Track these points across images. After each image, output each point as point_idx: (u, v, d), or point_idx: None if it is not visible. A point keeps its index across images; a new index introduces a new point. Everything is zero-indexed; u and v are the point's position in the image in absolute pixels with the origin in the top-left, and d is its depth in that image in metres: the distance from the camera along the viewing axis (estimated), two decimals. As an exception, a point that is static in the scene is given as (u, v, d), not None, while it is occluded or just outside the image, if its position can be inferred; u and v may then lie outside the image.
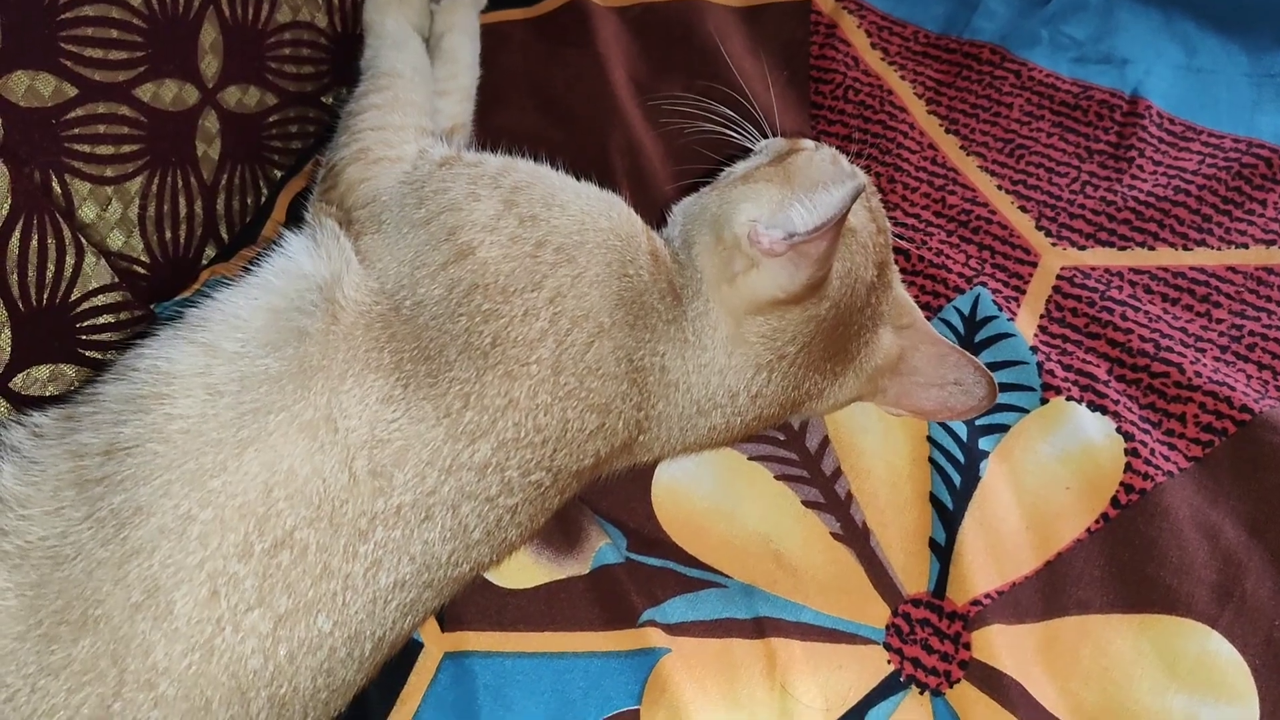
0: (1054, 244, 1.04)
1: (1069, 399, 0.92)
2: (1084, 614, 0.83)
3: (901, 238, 1.04)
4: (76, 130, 0.89)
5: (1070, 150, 1.12)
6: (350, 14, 1.14)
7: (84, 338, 0.92)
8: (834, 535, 0.87)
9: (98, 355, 0.92)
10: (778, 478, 0.90)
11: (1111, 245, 1.04)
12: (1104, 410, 0.91)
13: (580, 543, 0.87)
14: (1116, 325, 0.97)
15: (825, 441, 0.92)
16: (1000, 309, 0.98)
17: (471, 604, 0.83)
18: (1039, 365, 0.94)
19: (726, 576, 0.86)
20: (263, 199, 1.11)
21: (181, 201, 1.00)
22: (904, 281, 0.99)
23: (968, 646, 0.82)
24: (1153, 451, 0.89)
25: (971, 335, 0.97)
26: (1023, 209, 1.07)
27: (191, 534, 0.68)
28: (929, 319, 0.97)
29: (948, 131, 1.15)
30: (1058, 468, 0.89)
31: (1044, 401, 0.93)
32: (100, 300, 0.92)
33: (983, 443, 0.90)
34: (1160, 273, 1.02)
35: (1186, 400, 0.92)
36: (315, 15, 1.10)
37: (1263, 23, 1.21)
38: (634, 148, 1.10)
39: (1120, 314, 0.98)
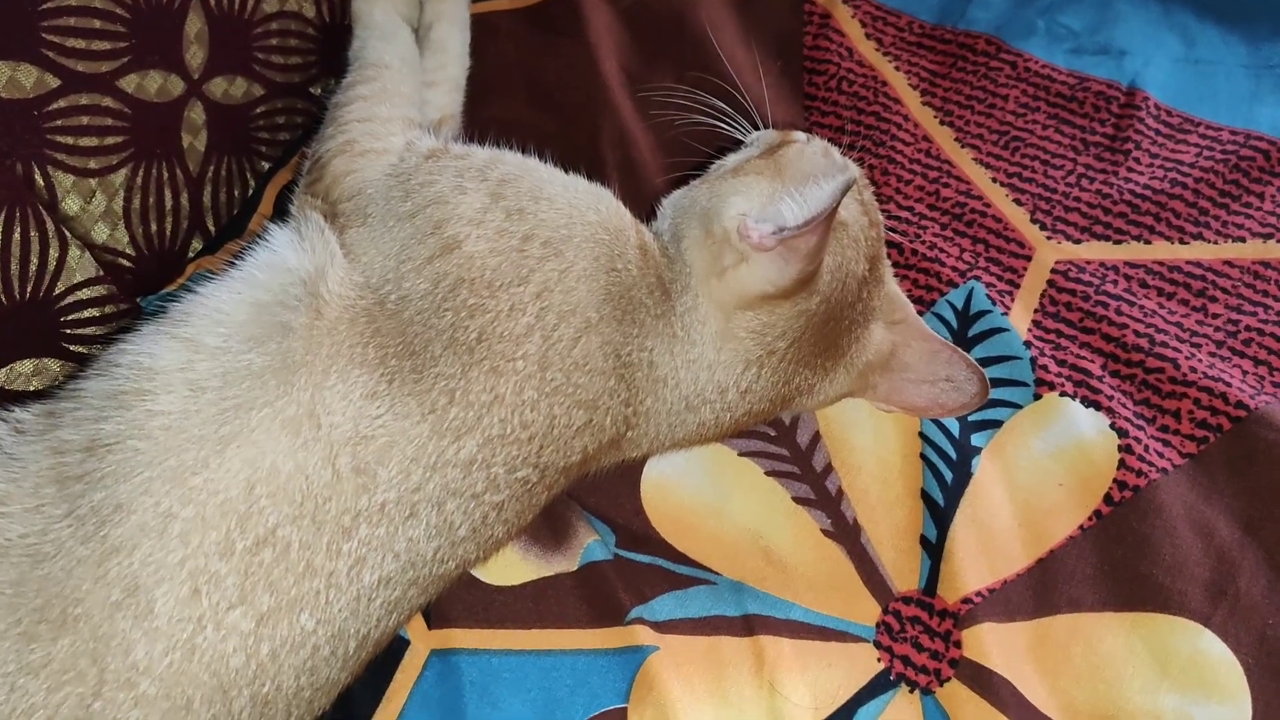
0: (1049, 237, 1.04)
1: (1062, 394, 0.92)
2: (1076, 612, 0.82)
3: (895, 231, 1.03)
4: (59, 122, 0.88)
5: (1066, 142, 1.11)
6: (338, 4, 1.13)
7: (68, 332, 0.91)
8: (824, 532, 0.87)
9: (82, 349, 0.92)
10: (768, 473, 0.89)
11: (1107, 239, 1.04)
12: (1098, 406, 0.91)
13: (568, 539, 0.86)
14: (1111, 320, 0.96)
15: (816, 437, 0.91)
16: (994, 303, 0.97)
17: (458, 601, 0.83)
18: (1032, 360, 0.93)
19: (715, 573, 0.85)
20: (250, 191, 1.10)
21: (167, 194, 0.99)
22: (897, 275, 0.99)
23: (958, 645, 0.81)
24: (1146, 448, 0.88)
25: (965, 330, 0.96)
26: (1017, 202, 1.06)
27: (172, 532, 0.67)
28: (922, 313, 0.96)
29: (942, 123, 1.14)
30: (1051, 464, 0.89)
31: (1037, 397, 0.92)
32: (85, 294, 0.91)
33: (975, 439, 0.90)
34: (1156, 267, 1.01)
35: (1181, 396, 0.91)
36: (303, 5, 1.09)
37: (1262, 14, 1.20)
38: (625, 139, 1.09)
39: (1115, 308, 0.97)
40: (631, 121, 1.11)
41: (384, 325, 0.76)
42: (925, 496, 0.87)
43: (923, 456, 0.89)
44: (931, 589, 0.84)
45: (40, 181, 0.88)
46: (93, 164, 0.91)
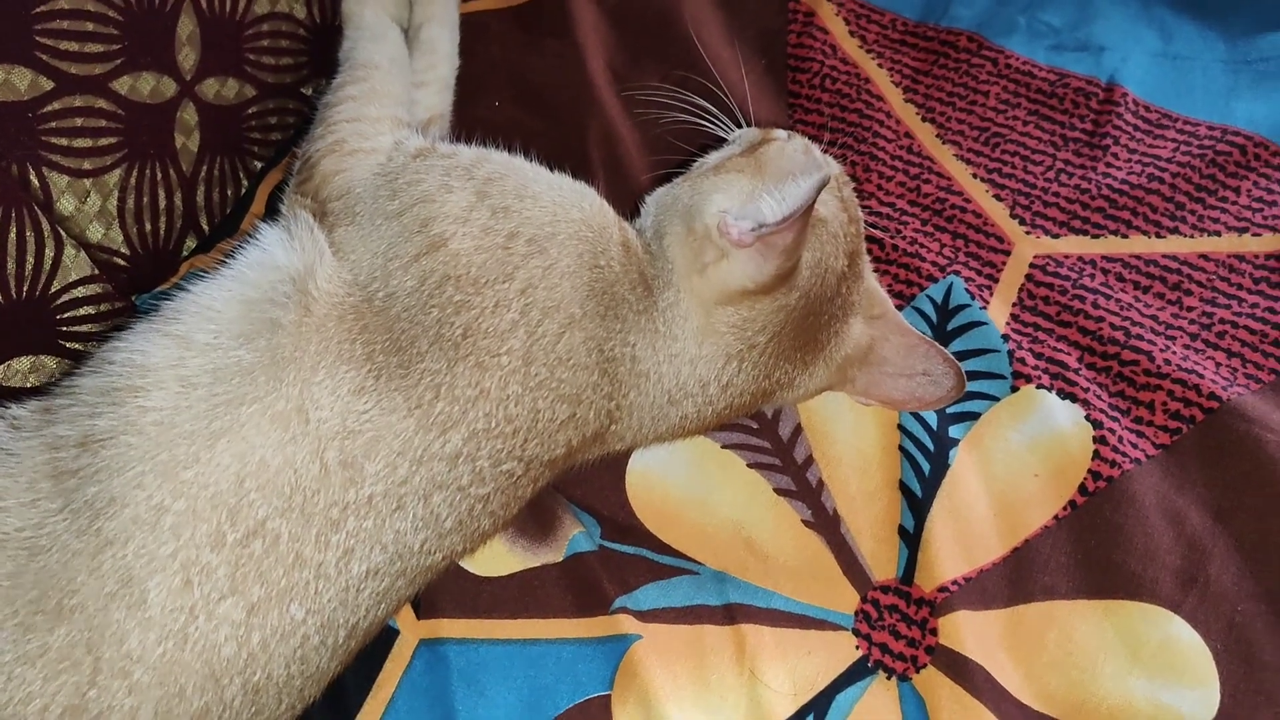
0: (1028, 232, 1.05)
1: (1039, 387, 0.93)
2: (1050, 600, 0.84)
3: (875, 227, 1.04)
4: (54, 123, 0.89)
5: (1045, 138, 1.13)
6: (329, 5, 1.15)
7: (65, 330, 0.93)
8: (805, 522, 0.88)
9: (79, 347, 0.93)
10: (750, 465, 0.91)
11: (1085, 233, 1.05)
12: (1074, 398, 0.92)
13: (554, 531, 0.88)
14: (1088, 313, 0.98)
15: (798, 430, 0.93)
16: (973, 298, 0.99)
17: (446, 592, 0.84)
18: (1010, 353, 0.95)
19: (698, 563, 0.87)
20: (243, 191, 1.12)
21: (161, 194, 1.00)
22: (878, 270, 1.00)
23: (934, 632, 0.83)
24: (1121, 439, 0.90)
25: (944, 324, 0.98)
26: (997, 197, 1.08)
27: (164, 524, 0.69)
28: (902, 308, 0.98)
29: (924, 120, 1.15)
30: (1027, 455, 0.90)
31: (1014, 389, 0.93)
32: (80, 292, 0.93)
33: (953, 431, 0.91)
34: (1133, 260, 1.03)
35: (1155, 388, 0.93)
36: (294, 6, 1.11)
37: (1239, 9, 1.21)
38: (611, 138, 1.11)
39: (1092, 302, 0.99)
40: (617, 120, 1.12)
41: (371, 322, 0.77)
42: (903, 487, 0.89)
43: (901, 448, 0.91)
44: (909, 578, 0.86)
45: (35, 182, 0.89)
46: (87, 165, 0.93)
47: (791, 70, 1.19)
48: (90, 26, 0.90)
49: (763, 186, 0.83)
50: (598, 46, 1.19)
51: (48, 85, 0.88)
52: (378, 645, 0.82)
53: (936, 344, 0.89)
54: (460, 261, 0.79)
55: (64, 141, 0.90)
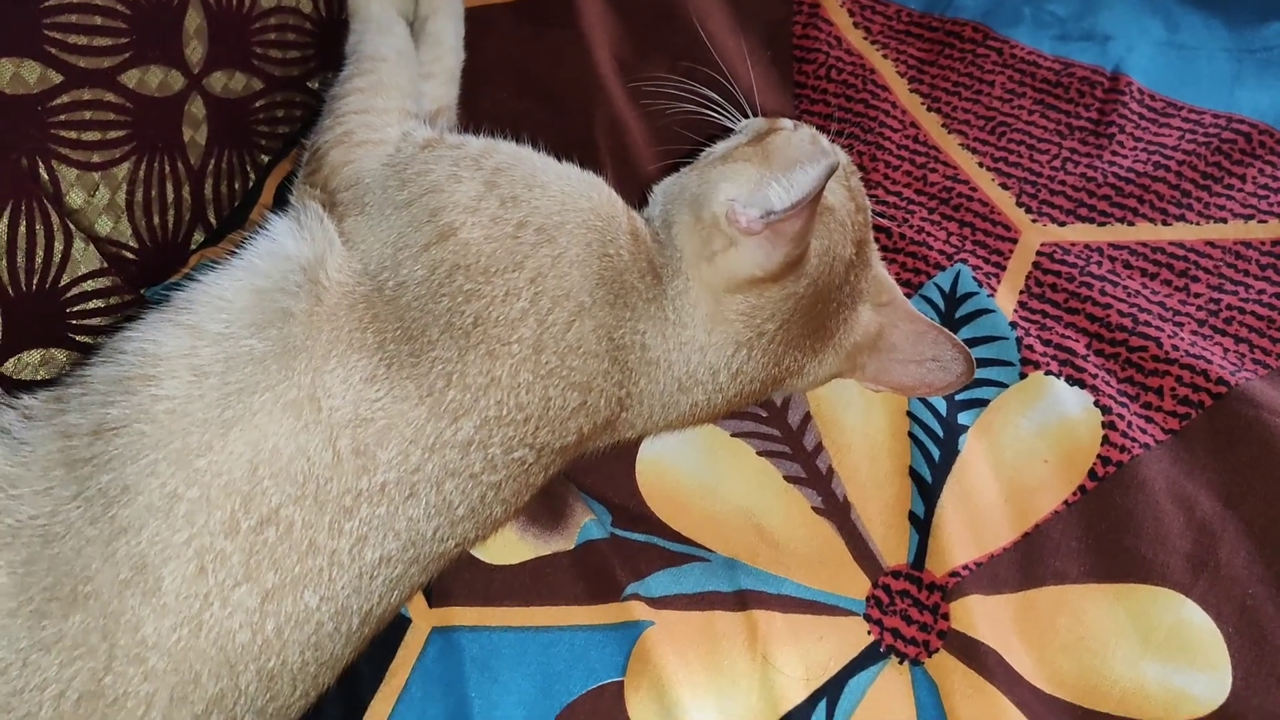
0: (1034, 220, 1.05)
1: (1048, 373, 0.93)
2: (1061, 584, 0.84)
3: (882, 216, 1.05)
4: (63, 117, 0.89)
5: (1051, 127, 1.13)
6: (335, -2, 1.15)
7: (74, 322, 0.93)
8: (815, 509, 0.89)
9: (88, 339, 0.94)
10: (760, 453, 0.91)
11: (1091, 221, 1.05)
12: (1082, 384, 0.93)
13: (565, 519, 0.88)
14: (1095, 300, 0.98)
15: (807, 417, 0.93)
16: (980, 285, 0.99)
17: (459, 579, 0.85)
18: (1018, 340, 0.95)
19: (709, 551, 0.87)
20: (250, 183, 1.12)
21: (169, 186, 1.00)
22: (885, 259, 1.01)
23: (946, 617, 0.83)
24: (1130, 424, 0.90)
25: (952, 311, 0.98)
26: (1003, 186, 1.08)
27: (178, 512, 0.69)
28: (910, 296, 0.98)
29: (929, 110, 1.15)
30: (1036, 441, 0.90)
31: (1023, 376, 0.94)
32: (90, 285, 0.93)
33: (962, 417, 0.92)
34: (1139, 248, 1.03)
35: (1164, 374, 0.93)
36: (300, 0, 1.11)
37: (1243, -2, 1.22)
38: (618, 128, 1.11)
39: (1099, 289, 0.99)
40: (624, 110, 1.13)
41: (382, 311, 0.78)
42: (913, 474, 0.89)
43: (911, 435, 0.91)
44: (920, 563, 0.86)
45: (45, 176, 0.89)
46: (96, 158, 0.93)
47: (797, 61, 1.20)
48: (99, 20, 0.90)
49: (770, 175, 0.83)
50: (603, 38, 1.19)
51: (56, 79, 0.88)
52: (391, 633, 0.82)
53: (945, 330, 0.89)
54: (470, 250, 0.79)
55: (73, 135, 0.91)
